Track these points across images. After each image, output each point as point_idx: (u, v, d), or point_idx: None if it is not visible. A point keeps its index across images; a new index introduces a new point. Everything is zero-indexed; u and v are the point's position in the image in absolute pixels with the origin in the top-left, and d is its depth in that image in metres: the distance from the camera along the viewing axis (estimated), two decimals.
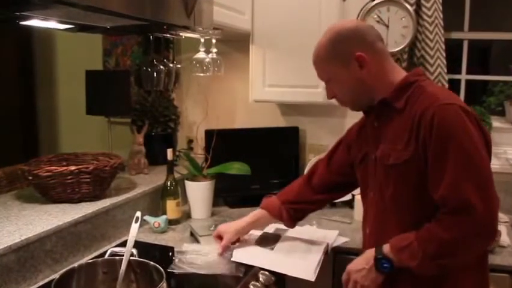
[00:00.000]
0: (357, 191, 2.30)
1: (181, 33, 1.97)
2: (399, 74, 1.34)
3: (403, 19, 2.17)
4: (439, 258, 1.19)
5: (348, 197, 2.26)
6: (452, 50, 2.35)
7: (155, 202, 2.10)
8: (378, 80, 1.32)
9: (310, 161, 2.41)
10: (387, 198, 1.32)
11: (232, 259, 1.64)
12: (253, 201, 2.38)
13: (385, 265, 1.28)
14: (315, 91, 2.21)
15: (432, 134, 1.19)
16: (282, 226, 2.02)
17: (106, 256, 1.46)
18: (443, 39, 2.20)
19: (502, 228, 1.92)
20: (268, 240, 1.78)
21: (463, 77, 2.46)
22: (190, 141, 2.72)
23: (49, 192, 1.75)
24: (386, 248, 1.28)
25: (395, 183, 1.29)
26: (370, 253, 1.33)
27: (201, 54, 2.20)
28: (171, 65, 2.40)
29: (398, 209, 1.30)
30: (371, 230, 1.43)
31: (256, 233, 1.86)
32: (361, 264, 1.34)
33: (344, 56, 1.31)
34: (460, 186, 1.15)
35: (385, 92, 1.32)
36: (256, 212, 1.73)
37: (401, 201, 1.29)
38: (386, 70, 1.34)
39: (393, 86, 1.32)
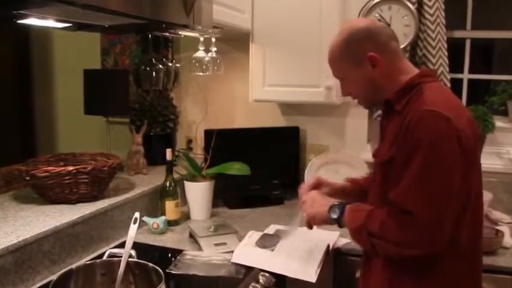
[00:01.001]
0: None
1: (180, 32, 1.97)
2: (409, 74, 1.36)
3: (405, 18, 2.17)
4: (373, 237, 1.25)
5: None
6: (455, 49, 2.35)
7: (154, 203, 2.10)
8: (390, 79, 1.35)
9: (311, 161, 2.41)
10: (376, 194, 1.37)
11: (232, 260, 1.65)
12: (253, 202, 2.40)
13: (336, 210, 1.37)
14: (316, 90, 2.21)
15: (405, 139, 1.22)
16: (282, 227, 2.02)
17: (104, 257, 1.46)
18: (445, 38, 2.20)
19: (505, 229, 1.92)
20: (268, 241, 1.78)
21: (465, 76, 2.46)
22: (189, 141, 2.72)
23: (47, 193, 1.76)
24: (348, 205, 1.37)
25: (380, 180, 1.34)
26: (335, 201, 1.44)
27: (200, 53, 2.20)
28: (170, 64, 2.40)
29: (382, 205, 1.32)
30: None
31: (256, 233, 1.86)
32: (325, 199, 1.45)
33: (356, 56, 1.35)
34: (406, 194, 1.19)
35: (392, 92, 1.35)
36: (348, 185, 1.70)
37: (384, 198, 1.31)
38: (398, 70, 1.36)
39: (399, 86, 1.34)
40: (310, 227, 1.52)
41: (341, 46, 1.37)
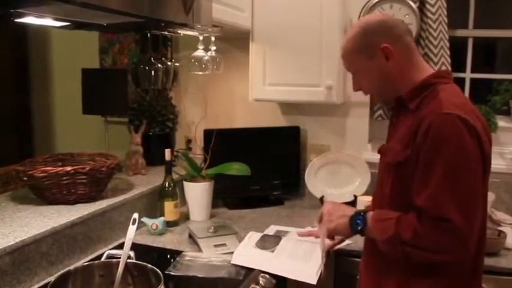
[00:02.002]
0: (360, 192, 2.31)
1: (179, 31, 1.98)
2: (423, 72, 1.36)
3: (406, 16, 2.17)
4: (406, 245, 1.23)
5: (350, 198, 2.27)
6: (457, 47, 2.34)
7: (153, 203, 2.10)
8: (403, 74, 1.35)
9: (312, 161, 2.41)
10: (385, 194, 1.37)
11: (232, 262, 1.65)
12: (253, 203, 2.40)
13: (358, 221, 1.36)
14: (317, 90, 2.21)
15: (425, 142, 1.21)
16: (282, 228, 2.02)
17: (103, 259, 1.46)
18: (447, 36, 2.20)
19: (508, 230, 1.92)
20: (268, 242, 1.79)
21: (468, 75, 2.46)
22: (188, 141, 2.72)
23: (44, 194, 1.76)
24: (370, 213, 1.37)
25: (392, 181, 1.33)
26: (353, 209, 1.44)
27: (200, 52, 2.20)
28: (169, 63, 2.40)
29: (394, 206, 1.33)
30: None
31: (256, 234, 1.86)
32: (342, 210, 1.45)
33: (370, 48, 1.35)
34: (438, 200, 1.19)
35: (405, 89, 1.35)
36: None
37: (397, 198, 1.33)
38: (412, 65, 1.36)
39: (413, 84, 1.34)
40: (332, 239, 1.54)
41: (355, 38, 1.37)
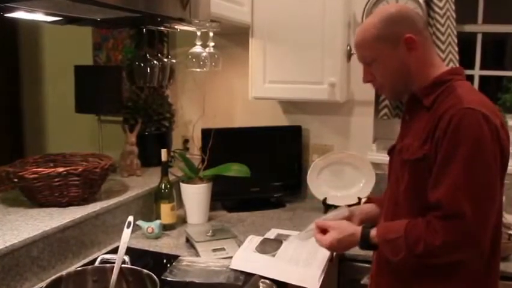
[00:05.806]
0: (364, 194, 2.31)
1: (176, 26, 1.98)
2: (438, 68, 1.39)
3: None
4: (422, 258, 1.27)
5: (354, 201, 2.27)
6: (465, 43, 2.35)
7: (148, 206, 2.10)
8: (420, 68, 1.37)
9: (314, 162, 2.41)
10: (400, 192, 1.38)
11: (231, 267, 1.65)
12: (252, 205, 2.40)
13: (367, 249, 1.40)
14: (319, 87, 2.21)
15: (445, 136, 1.24)
16: (283, 231, 2.02)
17: (96, 263, 1.47)
18: (455, 32, 2.20)
19: None
20: (269, 246, 1.78)
21: (477, 72, 2.46)
22: (185, 141, 2.72)
23: (36, 196, 1.76)
24: (373, 232, 1.37)
25: (408, 178, 1.35)
26: (356, 231, 1.40)
27: (197, 49, 2.19)
28: (165, 59, 2.40)
29: (409, 204, 1.36)
30: (383, 222, 1.48)
31: (256, 238, 1.86)
32: (346, 236, 1.42)
33: (394, 37, 1.36)
34: (455, 194, 1.21)
35: (420, 84, 1.37)
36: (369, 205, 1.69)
37: (412, 196, 1.35)
38: (430, 61, 1.39)
39: (428, 80, 1.36)
40: None
41: (378, 25, 1.37)
